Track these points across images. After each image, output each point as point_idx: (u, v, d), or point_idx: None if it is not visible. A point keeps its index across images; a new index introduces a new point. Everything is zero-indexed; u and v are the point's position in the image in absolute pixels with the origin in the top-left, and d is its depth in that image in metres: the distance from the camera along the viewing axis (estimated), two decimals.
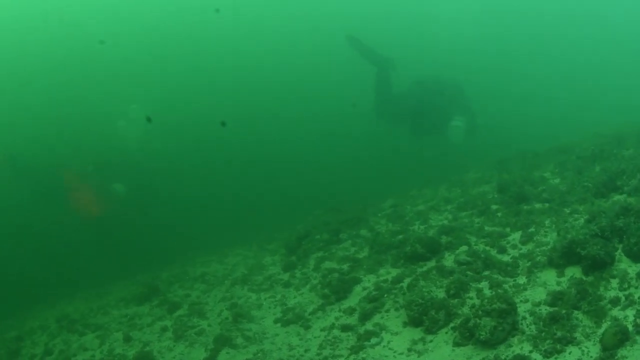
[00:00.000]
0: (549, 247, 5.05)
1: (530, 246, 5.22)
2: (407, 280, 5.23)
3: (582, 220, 5.36)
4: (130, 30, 22.19)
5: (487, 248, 5.39)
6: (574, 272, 4.60)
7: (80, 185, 11.52)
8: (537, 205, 6.10)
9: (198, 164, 15.34)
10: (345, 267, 6.06)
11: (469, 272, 4.90)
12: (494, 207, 6.47)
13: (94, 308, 7.14)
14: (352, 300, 5.34)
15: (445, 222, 6.61)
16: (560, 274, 4.66)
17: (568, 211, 5.74)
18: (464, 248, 5.48)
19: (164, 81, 20.11)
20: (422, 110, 11.26)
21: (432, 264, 5.39)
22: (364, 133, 14.43)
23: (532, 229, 5.51)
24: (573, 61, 22.13)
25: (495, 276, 4.81)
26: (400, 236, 6.42)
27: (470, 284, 4.73)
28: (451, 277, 4.86)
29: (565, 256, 4.70)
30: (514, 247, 5.30)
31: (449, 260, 5.33)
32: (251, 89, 19.99)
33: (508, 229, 5.72)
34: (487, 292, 4.61)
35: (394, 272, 5.56)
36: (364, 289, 5.45)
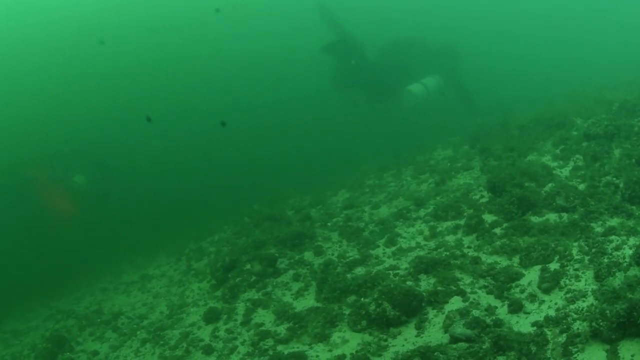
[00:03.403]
0: (587, 302, 3.28)
1: (557, 298, 3.43)
2: None
3: (626, 250, 3.61)
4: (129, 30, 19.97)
5: (492, 301, 3.58)
6: (632, 351, 2.88)
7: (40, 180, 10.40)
8: (552, 217, 4.29)
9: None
10: (282, 329, 4.17)
11: None
12: (489, 218, 4.63)
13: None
14: None
15: (421, 241, 4.76)
16: (613, 355, 2.93)
17: (599, 229, 3.96)
18: (457, 302, 3.65)
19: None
20: (376, 77, 9.90)
21: (410, 333, 3.55)
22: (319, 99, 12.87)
23: (554, 264, 3.72)
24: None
25: None
26: (360, 269, 4.56)
27: None
28: None
29: (620, 328, 2.96)
30: (533, 298, 3.50)
31: (436, 328, 3.49)
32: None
33: (517, 262, 3.91)
34: None
35: (354, 340, 3.72)
36: None
